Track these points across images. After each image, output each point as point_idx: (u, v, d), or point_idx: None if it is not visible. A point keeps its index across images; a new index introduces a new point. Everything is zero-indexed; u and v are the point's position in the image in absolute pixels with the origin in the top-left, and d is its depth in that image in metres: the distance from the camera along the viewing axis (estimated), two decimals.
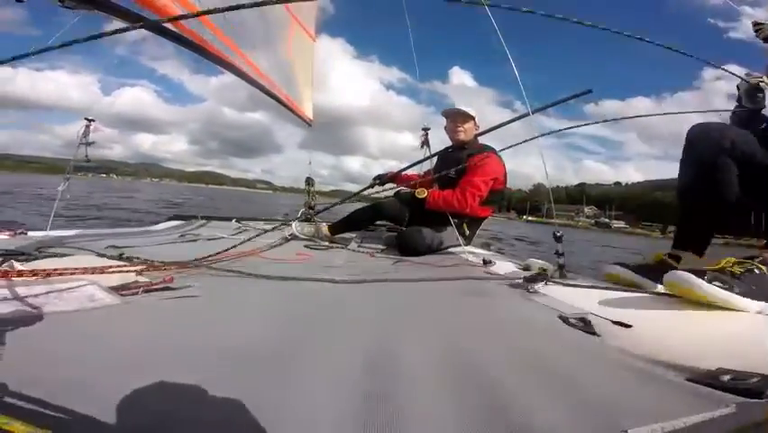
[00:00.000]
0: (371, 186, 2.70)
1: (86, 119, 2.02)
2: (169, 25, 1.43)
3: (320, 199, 3.00)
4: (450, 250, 2.11)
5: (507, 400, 0.50)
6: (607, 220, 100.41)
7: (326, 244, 2.24)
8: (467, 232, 2.22)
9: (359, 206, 2.62)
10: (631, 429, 0.42)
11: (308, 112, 3.48)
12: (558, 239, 1.24)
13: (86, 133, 1.98)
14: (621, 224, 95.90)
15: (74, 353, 0.60)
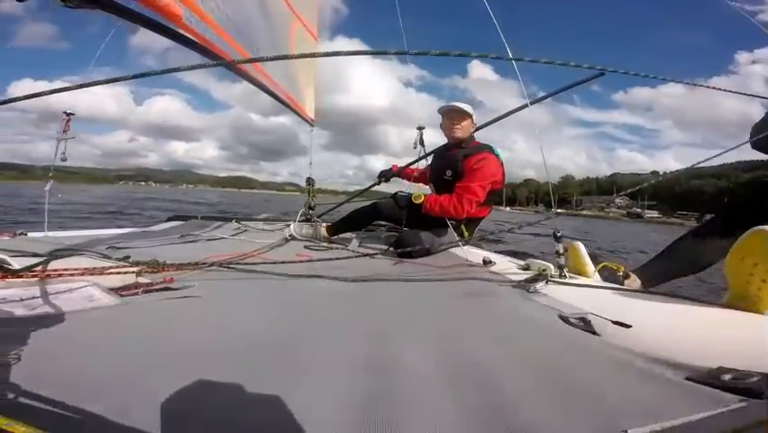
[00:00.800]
0: (378, 183, 2.69)
1: (64, 113, 1.90)
2: (174, 26, 1.44)
3: (327, 199, 3.00)
4: (449, 250, 2.09)
5: (506, 399, 0.50)
6: (639, 210, 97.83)
7: (326, 244, 2.23)
8: (465, 233, 2.21)
9: (359, 205, 2.61)
10: (631, 429, 0.42)
11: (310, 112, 3.48)
12: (558, 239, 1.24)
13: (65, 129, 1.86)
14: (654, 213, 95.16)
15: (73, 354, 0.60)
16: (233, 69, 1.90)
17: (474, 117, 2.25)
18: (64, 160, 1.90)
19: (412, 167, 2.69)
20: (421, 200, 2.11)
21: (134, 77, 0.85)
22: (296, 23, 2.90)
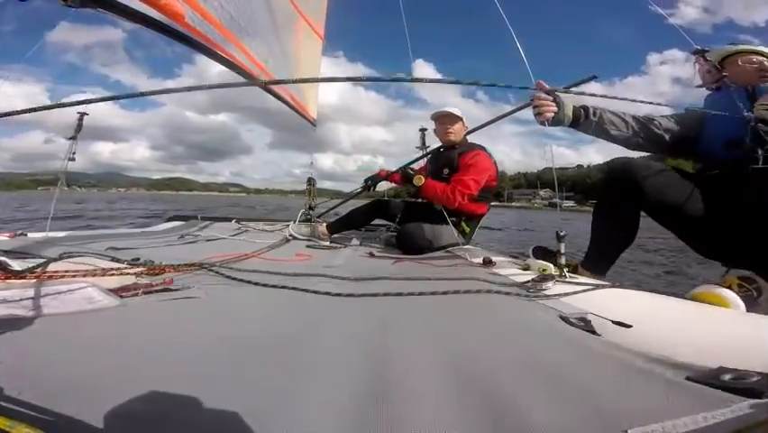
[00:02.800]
0: (365, 188, 2.71)
1: (78, 113, 1.93)
2: (176, 25, 1.44)
3: (317, 200, 3.01)
4: (449, 249, 2.10)
5: (507, 399, 0.50)
6: (557, 201, 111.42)
7: (327, 243, 2.25)
8: (466, 229, 2.24)
9: (358, 204, 2.66)
10: (631, 429, 0.41)
11: (313, 112, 3.49)
12: (560, 239, 1.24)
13: (78, 128, 1.88)
14: (571, 203, 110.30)
15: (72, 354, 0.60)
16: (262, 87, 1.91)
17: (465, 120, 2.36)
18: (72, 159, 1.92)
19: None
20: (422, 182, 2.19)
21: (155, 92, 0.84)
22: (300, 22, 2.91)
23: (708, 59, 1.49)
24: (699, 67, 1.55)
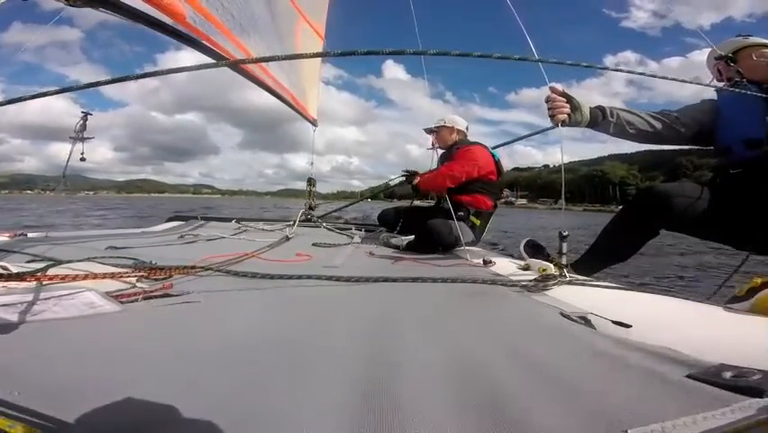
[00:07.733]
0: (404, 177, 2.77)
1: (82, 112, 1.86)
2: (177, 24, 1.44)
3: (285, 202, 3.03)
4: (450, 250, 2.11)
5: (507, 399, 0.50)
6: (512, 199, 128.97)
7: (327, 243, 2.26)
8: (476, 222, 2.29)
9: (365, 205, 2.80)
10: (631, 429, 0.41)
11: (313, 111, 3.49)
12: (563, 238, 1.23)
13: (82, 128, 1.80)
14: (524, 201, 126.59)
15: (72, 359, 0.60)
16: (236, 68, 1.92)
17: (447, 122, 2.58)
18: (83, 160, 1.89)
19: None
20: (416, 180, 2.47)
21: (138, 77, 0.87)
22: (301, 23, 2.92)
23: (721, 52, 1.51)
24: (721, 69, 1.56)
